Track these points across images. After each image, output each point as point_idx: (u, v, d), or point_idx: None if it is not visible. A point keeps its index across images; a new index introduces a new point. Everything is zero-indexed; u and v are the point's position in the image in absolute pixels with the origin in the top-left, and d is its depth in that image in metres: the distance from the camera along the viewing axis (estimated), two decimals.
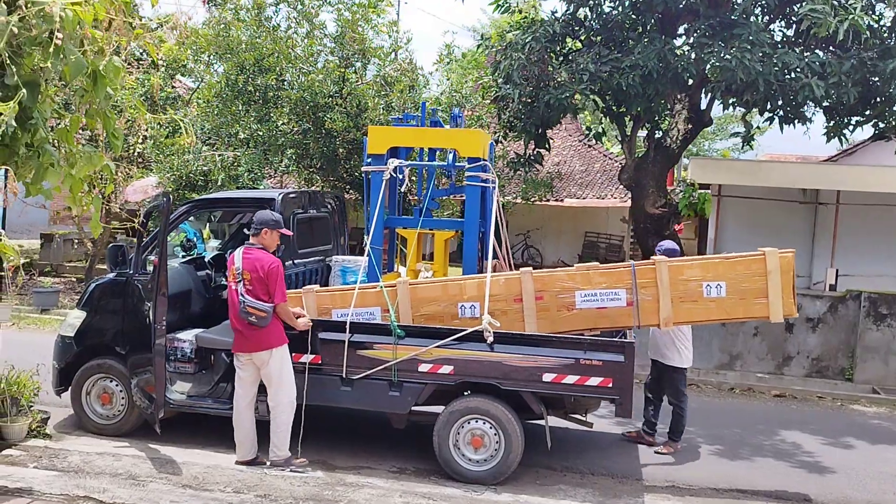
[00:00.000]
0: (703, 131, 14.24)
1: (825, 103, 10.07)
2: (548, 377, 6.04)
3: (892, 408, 9.92)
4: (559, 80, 10.21)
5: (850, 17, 8.69)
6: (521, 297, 6.34)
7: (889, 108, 10.12)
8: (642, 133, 12.44)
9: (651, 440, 7.48)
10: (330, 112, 11.32)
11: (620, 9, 10.44)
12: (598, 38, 10.88)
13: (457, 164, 7.69)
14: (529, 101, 10.63)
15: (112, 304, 6.86)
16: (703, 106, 10.94)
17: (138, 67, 14.79)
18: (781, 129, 10.65)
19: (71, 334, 6.93)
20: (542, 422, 6.36)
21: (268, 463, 6.16)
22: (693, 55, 9.71)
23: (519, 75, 10.25)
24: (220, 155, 11.69)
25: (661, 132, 11.53)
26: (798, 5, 9.73)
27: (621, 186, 14.49)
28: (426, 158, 8.09)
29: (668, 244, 7.29)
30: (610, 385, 5.98)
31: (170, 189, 11.67)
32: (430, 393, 6.27)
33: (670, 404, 7.41)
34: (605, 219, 20.67)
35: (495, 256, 7.22)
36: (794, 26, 10.31)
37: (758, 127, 11.72)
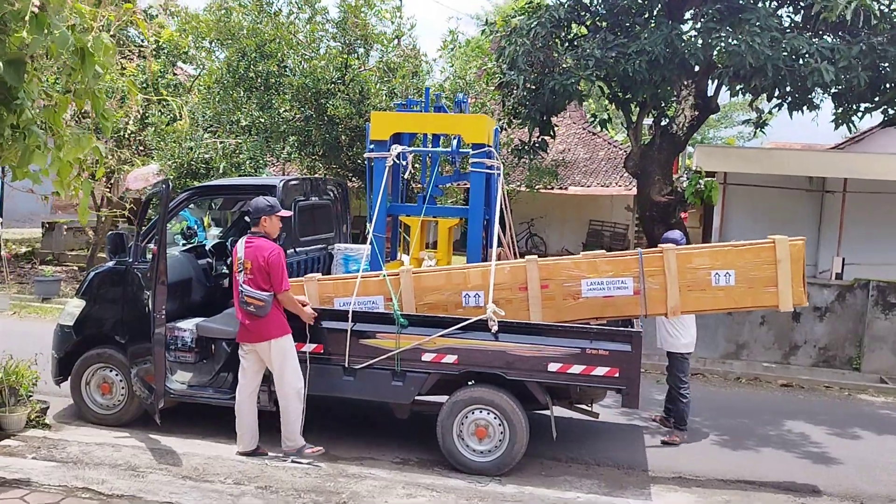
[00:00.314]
0: (708, 120, 14.10)
1: (834, 89, 9.93)
2: (553, 367, 5.95)
3: None
4: (564, 66, 10.08)
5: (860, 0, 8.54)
6: (527, 285, 6.23)
7: None
8: (648, 120, 12.32)
9: (670, 425, 7.51)
10: (332, 99, 11.22)
11: None
12: (604, 23, 10.74)
13: (461, 150, 7.56)
14: (534, 87, 10.50)
15: (111, 293, 6.77)
16: (711, 92, 10.80)
17: (139, 54, 14.70)
18: (790, 115, 10.53)
19: (70, 323, 6.84)
20: (547, 412, 6.27)
21: (269, 454, 6.09)
22: (700, 40, 9.56)
23: (524, 61, 10.11)
24: (221, 142, 11.59)
25: (667, 119, 11.40)
26: None
27: (626, 175, 14.40)
28: (430, 145, 7.97)
29: (672, 234, 7.22)
30: (616, 375, 5.89)
31: (171, 177, 11.57)
32: (433, 383, 6.18)
33: (671, 390, 7.42)
34: (609, 207, 20.56)
35: (500, 244, 7.12)
36: (803, 11, 10.16)
37: (769, 112, 11.56)
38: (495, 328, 5.98)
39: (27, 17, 3.33)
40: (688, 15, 10.60)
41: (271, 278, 5.87)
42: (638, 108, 11.64)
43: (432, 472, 6.12)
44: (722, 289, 6.17)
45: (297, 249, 7.26)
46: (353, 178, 12.39)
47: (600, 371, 5.90)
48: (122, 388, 6.72)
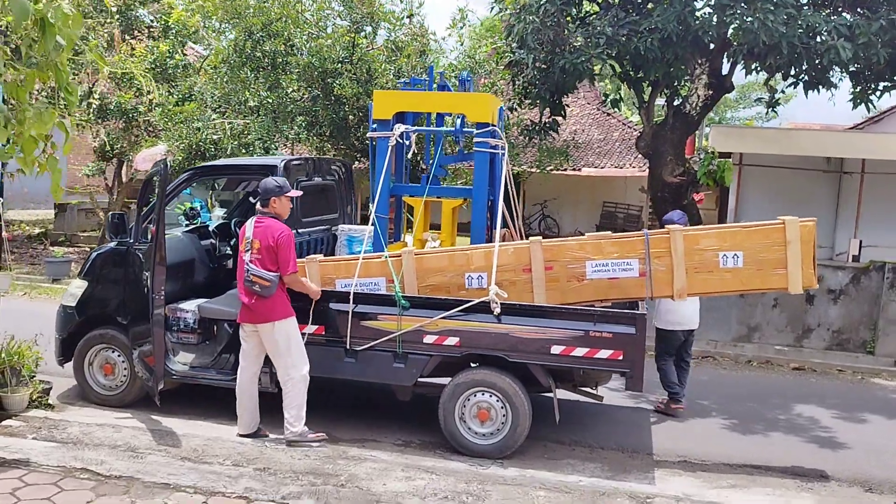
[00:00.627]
0: (726, 100, 13.85)
1: (852, 67, 9.69)
2: (556, 349, 5.86)
3: None
4: (575, 44, 9.89)
5: None
6: (531, 267, 6.14)
7: None
8: (661, 100, 12.10)
9: (678, 406, 7.48)
10: (339, 78, 11.10)
11: None
12: (616, 0, 10.53)
13: (465, 129, 7.44)
14: (544, 66, 10.33)
15: (113, 274, 6.73)
16: (725, 71, 10.57)
17: (148, 34, 14.65)
18: (806, 94, 10.30)
19: (73, 304, 6.83)
20: (550, 395, 6.19)
21: (270, 436, 6.06)
22: (714, 18, 9.36)
23: (533, 39, 9.93)
24: (230, 123, 11.53)
25: (680, 98, 11.20)
26: None
27: (640, 156, 14.18)
28: (434, 124, 7.85)
29: (672, 215, 7.10)
30: (621, 358, 5.78)
31: (179, 157, 11.54)
32: (435, 365, 6.11)
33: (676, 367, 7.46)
34: (623, 188, 20.36)
35: (504, 225, 7.01)
36: None
37: (783, 92, 11.32)
38: (498, 310, 5.89)
39: None
40: None
41: (279, 259, 5.80)
42: (650, 87, 11.44)
43: (434, 454, 6.06)
44: (730, 270, 6.04)
45: (300, 230, 7.18)
46: (362, 159, 12.30)
47: (604, 354, 5.80)
48: (125, 369, 6.71)
